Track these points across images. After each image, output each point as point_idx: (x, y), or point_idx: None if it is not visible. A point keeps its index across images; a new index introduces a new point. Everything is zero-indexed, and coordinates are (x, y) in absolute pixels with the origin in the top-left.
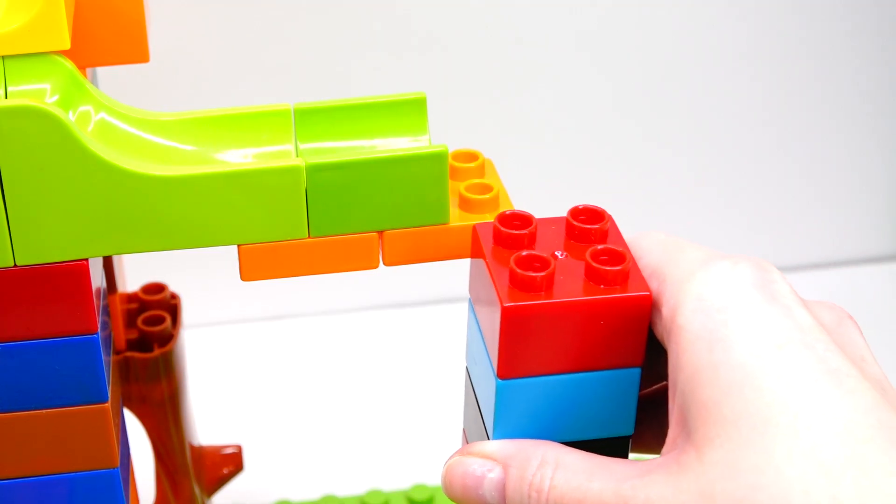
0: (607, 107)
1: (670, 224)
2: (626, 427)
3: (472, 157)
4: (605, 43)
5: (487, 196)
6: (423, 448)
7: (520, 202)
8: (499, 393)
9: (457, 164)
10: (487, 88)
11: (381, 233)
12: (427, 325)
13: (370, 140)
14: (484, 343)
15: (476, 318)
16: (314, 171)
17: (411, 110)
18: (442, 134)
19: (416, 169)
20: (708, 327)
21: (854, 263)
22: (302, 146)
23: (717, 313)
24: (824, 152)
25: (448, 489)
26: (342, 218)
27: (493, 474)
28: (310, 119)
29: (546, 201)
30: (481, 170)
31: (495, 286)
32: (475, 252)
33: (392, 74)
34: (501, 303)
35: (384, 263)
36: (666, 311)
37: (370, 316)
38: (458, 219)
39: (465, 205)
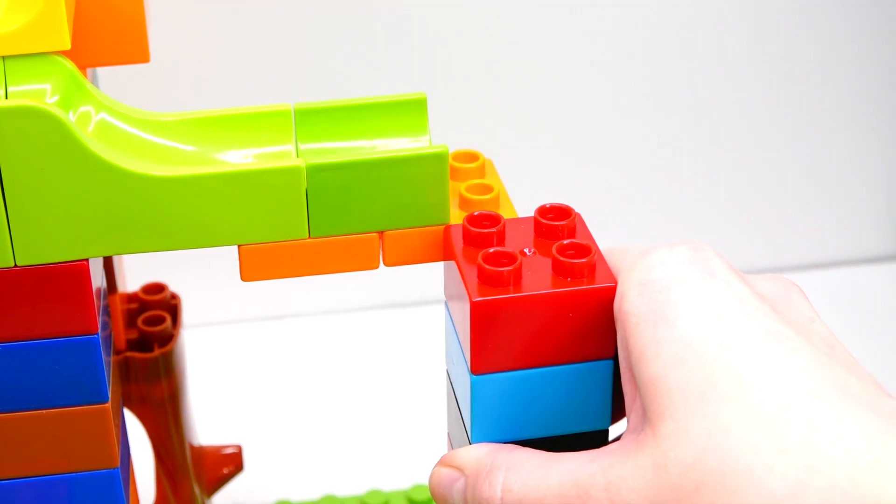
0: (607, 107)
1: (670, 224)
2: (602, 420)
3: (472, 157)
4: (606, 43)
5: (488, 196)
6: (424, 448)
7: (520, 202)
8: (473, 389)
9: (457, 165)
10: (487, 88)
11: (381, 233)
12: (427, 326)
13: (370, 140)
14: (459, 341)
15: (451, 319)
16: (314, 171)
17: (411, 110)
18: (442, 134)
19: (417, 169)
20: (651, 308)
21: (854, 263)
22: (302, 146)
23: (659, 294)
24: (824, 152)
25: (433, 497)
26: (342, 218)
27: (458, 484)
28: (310, 119)
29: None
30: (482, 170)
31: (464, 283)
32: (447, 253)
33: (392, 74)
34: (470, 298)
35: (385, 264)
36: (614, 302)
37: (370, 316)
38: (458, 219)
39: (466, 205)
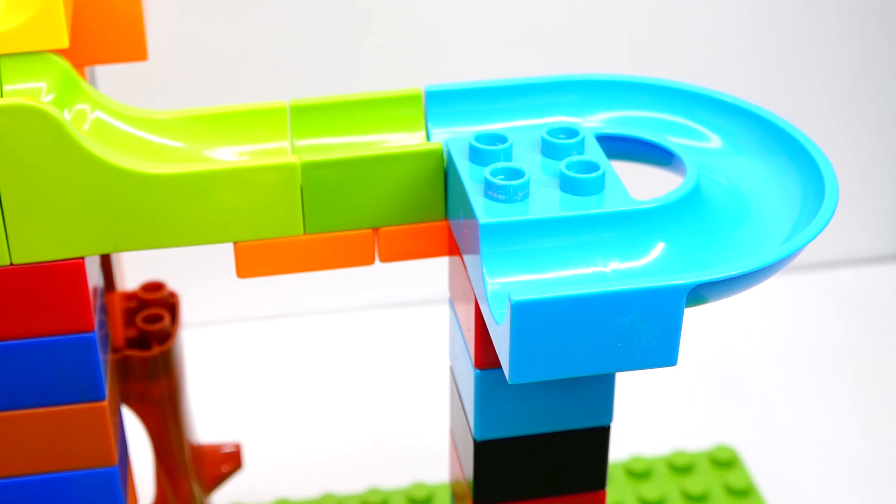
0: None
1: None
2: (605, 417)
3: None
4: (606, 42)
5: None
6: (423, 447)
7: None
8: (477, 383)
9: None
10: None
11: (376, 229)
12: (426, 326)
13: (366, 136)
14: (463, 337)
15: (455, 314)
16: (309, 168)
17: (407, 105)
18: None
19: (412, 165)
20: None
21: (855, 263)
22: (298, 143)
23: None
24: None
25: None
26: (338, 215)
27: None
28: (306, 115)
29: None
30: None
31: (469, 279)
32: (451, 248)
33: (391, 74)
34: (475, 293)
35: (380, 260)
36: None
37: (370, 315)
38: None
39: None
